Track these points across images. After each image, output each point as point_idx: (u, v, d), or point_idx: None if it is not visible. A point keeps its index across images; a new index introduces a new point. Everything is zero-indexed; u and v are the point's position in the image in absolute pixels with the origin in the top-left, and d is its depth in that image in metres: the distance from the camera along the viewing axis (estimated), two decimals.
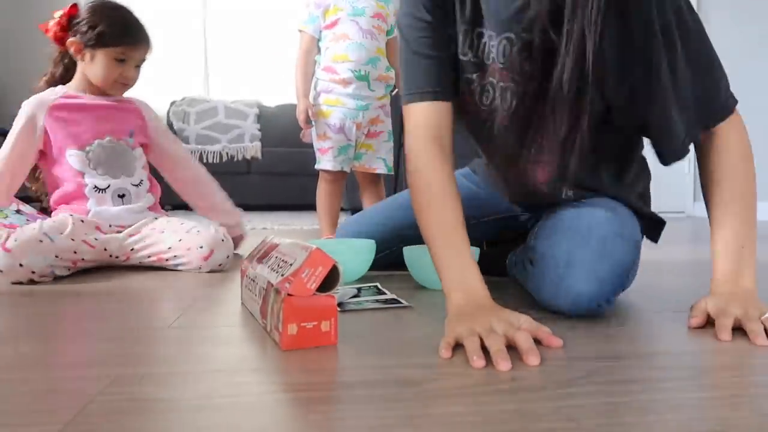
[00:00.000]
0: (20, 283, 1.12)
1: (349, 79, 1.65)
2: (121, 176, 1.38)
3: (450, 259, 0.76)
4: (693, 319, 0.74)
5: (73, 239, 1.21)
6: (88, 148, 1.34)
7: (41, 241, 1.15)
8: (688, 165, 3.92)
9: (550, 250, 0.79)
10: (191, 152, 4.04)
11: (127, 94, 1.46)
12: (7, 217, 1.74)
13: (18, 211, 1.82)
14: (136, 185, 1.41)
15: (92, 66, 1.35)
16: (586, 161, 0.78)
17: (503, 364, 0.57)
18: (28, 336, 0.73)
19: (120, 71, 1.36)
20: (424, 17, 0.82)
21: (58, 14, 1.36)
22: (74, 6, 1.36)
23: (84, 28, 1.32)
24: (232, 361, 0.62)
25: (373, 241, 1.17)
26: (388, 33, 1.72)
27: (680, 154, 0.79)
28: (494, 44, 0.80)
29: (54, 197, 1.38)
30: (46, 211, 1.48)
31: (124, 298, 0.98)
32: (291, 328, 0.64)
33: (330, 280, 0.67)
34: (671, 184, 3.93)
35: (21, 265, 1.11)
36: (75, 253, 1.20)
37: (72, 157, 1.34)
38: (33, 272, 1.12)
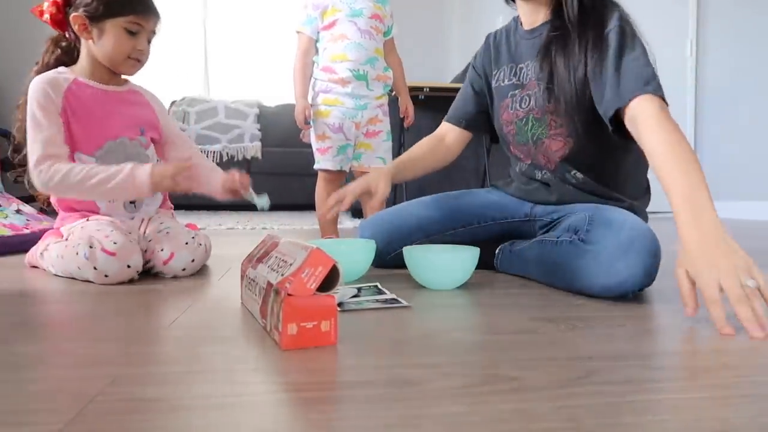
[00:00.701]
0: (120, 283, 1.11)
1: (348, 79, 1.66)
2: None
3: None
4: (687, 308, 0.77)
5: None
6: (98, 153, 1.23)
7: (131, 241, 1.14)
8: None
9: (611, 234, 0.93)
10: None
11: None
12: (7, 216, 1.74)
13: (18, 211, 1.83)
14: None
15: (101, 42, 1.21)
16: (588, 149, 1.14)
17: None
18: (28, 336, 0.73)
19: (132, 44, 1.22)
20: (471, 76, 1.37)
21: None
22: None
23: (89, 2, 1.18)
24: (231, 361, 0.62)
25: (373, 241, 1.17)
26: (385, 34, 1.73)
27: (607, 114, 1.01)
28: (530, 68, 1.20)
29: (63, 205, 1.29)
30: (45, 212, 1.46)
31: (123, 298, 0.98)
32: (291, 328, 0.64)
33: (330, 280, 0.67)
34: None
35: (129, 266, 1.11)
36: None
37: (81, 162, 1.21)
38: (137, 271, 1.12)
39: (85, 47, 1.25)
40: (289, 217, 3.46)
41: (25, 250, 1.40)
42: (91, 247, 1.10)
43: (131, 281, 1.13)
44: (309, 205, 4.29)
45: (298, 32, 1.75)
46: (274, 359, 0.62)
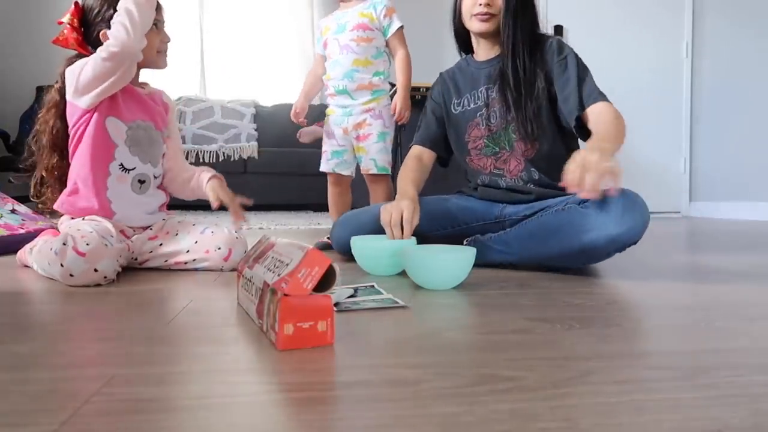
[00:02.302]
0: (86, 285, 1.09)
1: (333, 93, 1.80)
2: (148, 163, 1.35)
3: (402, 185, 1.43)
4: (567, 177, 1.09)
5: (120, 242, 1.21)
6: (130, 124, 1.31)
7: (106, 245, 1.13)
8: (684, 164, 3.93)
9: (616, 198, 1.12)
10: (188, 151, 4.03)
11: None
12: (1, 216, 1.73)
13: (13, 211, 1.82)
14: (156, 177, 1.39)
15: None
16: (549, 150, 1.36)
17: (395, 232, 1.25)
18: (24, 336, 0.72)
19: (159, 37, 1.34)
20: (431, 106, 1.58)
21: (65, 19, 1.26)
22: (76, 4, 1.28)
23: (109, 13, 1.24)
24: (228, 361, 0.61)
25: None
26: (384, 33, 1.76)
27: (569, 119, 1.30)
28: (492, 90, 1.42)
29: (75, 175, 1.28)
30: (41, 211, 1.46)
31: (120, 299, 0.98)
32: (287, 328, 0.64)
33: (326, 281, 0.67)
34: (666, 184, 3.93)
35: (96, 270, 1.09)
36: (121, 256, 1.19)
37: (112, 127, 1.28)
38: (105, 277, 1.11)
39: None
40: (286, 217, 3.46)
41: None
42: (64, 243, 1.10)
43: (99, 285, 1.11)
44: (305, 205, 4.30)
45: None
46: (270, 359, 0.62)
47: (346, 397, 0.51)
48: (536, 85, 1.35)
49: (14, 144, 3.92)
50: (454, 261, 1.05)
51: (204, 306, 0.91)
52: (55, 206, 1.30)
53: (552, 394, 0.51)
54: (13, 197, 1.99)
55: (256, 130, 4.33)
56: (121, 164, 1.30)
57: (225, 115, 4.31)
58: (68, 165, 1.31)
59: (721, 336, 0.72)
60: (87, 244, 1.10)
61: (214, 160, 4.07)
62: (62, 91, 1.29)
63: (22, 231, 1.69)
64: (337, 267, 0.67)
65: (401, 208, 1.26)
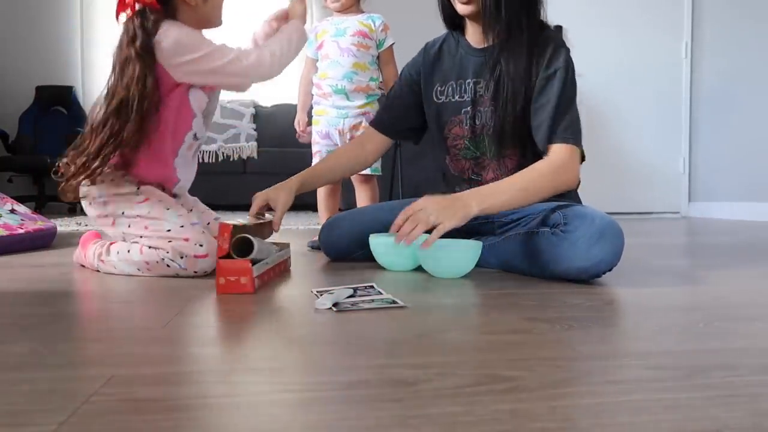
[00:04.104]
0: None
1: (329, 93, 1.85)
2: (209, 131, 1.35)
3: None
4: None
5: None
6: (209, 94, 1.29)
7: (203, 232, 1.21)
8: (683, 164, 3.93)
9: (586, 225, 1.07)
10: None
11: None
12: (1, 216, 1.73)
13: (12, 211, 1.82)
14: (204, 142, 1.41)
15: (209, 1, 1.26)
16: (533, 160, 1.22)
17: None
18: (23, 336, 0.72)
19: None
20: (403, 86, 1.44)
21: None
22: None
23: None
24: (226, 362, 0.61)
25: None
26: (378, 46, 1.87)
27: (539, 145, 1.21)
28: (480, 85, 1.29)
29: (148, 140, 1.20)
30: (40, 211, 1.45)
31: (118, 299, 0.98)
32: (221, 280, 0.99)
33: (246, 249, 0.99)
34: (666, 184, 3.93)
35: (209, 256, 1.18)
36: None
37: (194, 98, 1.25)
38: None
39: (188, 14, 1.22)
40: (284, 217, 3.45)
41: (19, 250, 1.39)
42: (182, 257, 1.16)
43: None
44: (304, 205, 4.29)
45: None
46: (269, 359, 0.62)
47: (346, 397, 0.51)
48: (531, 88, 1.21)
49: (13, 144, 3.92)
50: (465, 251, 1.16)
51: (202, 306, 0.91)
52: (127, 169, 1.23)
53: (551, 394, 0.51)
54: (12, 197, 1.99)
55: (255, 130, 4.33)
56: (195, 134, 1.31)
57: (224, 115, 4.30)
58: (143, 129, 1.18)
59: (720, 336, 0.72)
60: (200, 245, 1.17)
61: (214, 160, 4.07)
62: (146, 47, 1.14)
63: (21, 231, 1.69)
64: (255, 240, 0.97)
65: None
